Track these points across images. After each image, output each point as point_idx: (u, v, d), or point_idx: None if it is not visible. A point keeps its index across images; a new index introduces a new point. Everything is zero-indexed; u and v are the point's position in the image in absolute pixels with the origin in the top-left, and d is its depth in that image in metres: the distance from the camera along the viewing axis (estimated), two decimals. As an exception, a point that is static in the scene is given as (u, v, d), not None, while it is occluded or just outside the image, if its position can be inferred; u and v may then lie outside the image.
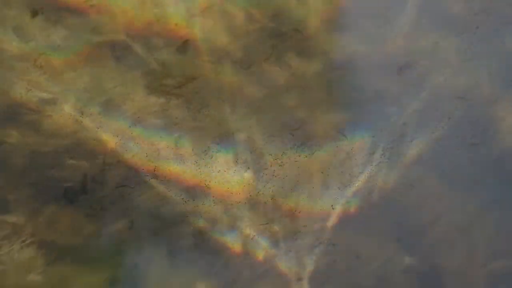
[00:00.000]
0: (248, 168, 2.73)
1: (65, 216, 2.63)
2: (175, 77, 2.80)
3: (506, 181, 2.77)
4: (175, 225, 2.65)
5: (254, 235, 2.64)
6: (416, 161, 2.77)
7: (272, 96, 2.78)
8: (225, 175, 2.71)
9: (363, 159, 2.76)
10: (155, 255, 2.60)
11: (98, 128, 2.71)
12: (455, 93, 2.83)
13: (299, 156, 2.75)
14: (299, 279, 2.60)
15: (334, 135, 2.78)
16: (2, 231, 2.55)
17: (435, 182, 2.75)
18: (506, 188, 2.75)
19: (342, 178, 2.74)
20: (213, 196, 2.69)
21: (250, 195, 2.69)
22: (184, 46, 2.84)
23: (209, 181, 2.70)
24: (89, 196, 2.66)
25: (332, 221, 2.67)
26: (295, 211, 2.69)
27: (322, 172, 2.74)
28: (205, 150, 2.73)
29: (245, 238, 2.63)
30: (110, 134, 2.72)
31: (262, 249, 2.62)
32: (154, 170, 2.70)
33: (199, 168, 2.71)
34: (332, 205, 2.70)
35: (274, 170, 2.73)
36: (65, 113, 2.73)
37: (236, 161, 2.74)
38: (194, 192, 2.69)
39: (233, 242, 2.63)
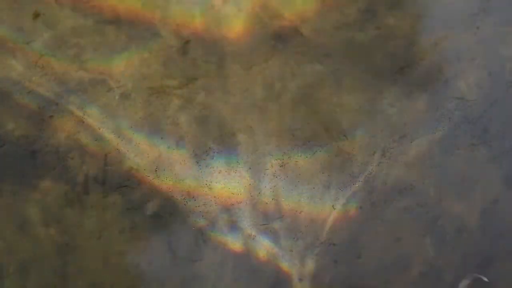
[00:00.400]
0: (249, 168, 2.74)
1: (66, 217, 2.64)
2: (176, 78, 2.81)
3: (506, 182, 2.77)
4: (176, 225, 2.67)
5: (255, 235, 2.65)
6: (417, 161, 2.78)
7: (273, 96, 2.79)
8: (226, 176, 2.72)
9: (364, 159, 2.77)
10: (156, 255, 2.61)
11: (100, 129, 2.72)
12: (455, 94, 2.84)
13: (300, 156, 2.76)
14: (300, 279, 2.62)
15: (335, 135, 2.78)
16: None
17: (435, 183, 2.76)
18: (506, 189, 2.76)
19: (343, 178, 2.75)
20: (214, 197, 2.70)
21: (251, 196, 2.70)
22: (185, 46, 2.84)
23: (210, 182, 2.72)
24: (90, 197, 2.67)
25: (333, 221, 2.68)
26: (296, 211, 2.70)
27: (323, 173, 2.75)
28: (206, 151, 2.74)
29: (246, 238, 2.64)
30: (111, 135, 2.73)
31: (263, 249, 2.63)
32: (155, 171, 2.71)
33: (200, 169, 2.72)
34: (333, 205, 2.71)
35: (275, 171, 2.74)
36: (66, 114, 2.73)
37: (237, 162, 2.75)
38: (195, 192, 2.70)
39: (234, 242, 2.64)
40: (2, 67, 2.78)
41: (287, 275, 2.66)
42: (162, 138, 2.75)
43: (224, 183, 2.72)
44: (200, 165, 2.73)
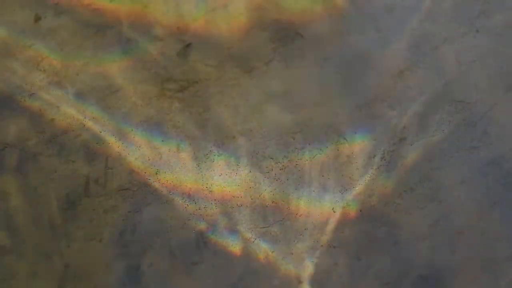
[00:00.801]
0: (250, 171, 2.75)
1: (67, 220, 2.65)
2: (177, 81, 2.82)
3: (506, 184, 2.78)
4: (176, 228, 2.68)
5: (255, 238, 2.66)
6: (416, 164, 2.79)
7: (273, 99, 2.80)
8: (227, 179, 2.73)
9: (364, 163, 2.78)
10: (157, 258, 2.62)
11: (101, 132, 2.73)
12: (455, 97, 2.85)
13: (300, 159, 2.77)
14: (300, 281, 2.63)
15: (335, 138, 2.79)
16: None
17: (435, 185, 2.77)
18: (506, 191, 2.77)
19: (343, 181, 2.76)
20: (215, 200, 2.71)
21: (251, 199, 2.71)
22: (186, 50, 2.85)
23: (211, 185, 2.73)
24: (91, 199, 2.68)
25: (332, 223, 2.69)
26: (296, 214, 2.71)
27: (322, 175, 2.76)
28: (207, 154, 2.75)
29: (246, 241, 2.65)
30: (112, 138, 2.74)
31: (263, 252, 2.64)
32: (156, 174, 2.72)
33: (200, 172, 2.73)
34: (332, 208, 2.72)
35: (275, 174, 2.75)
36: (67, 116, 2.75)
37: (238, 165, 2.76)
38: (196, 195, 2.72)
39: (234, 245, 2.65)
40: (4, 70, 2.80)
41: (287, 278, 2.67)
42: (163, 141, 2.76)
43: (224, 186, 2.73)
44: (200, 168, 2.74)
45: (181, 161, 2.74)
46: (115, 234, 2.66)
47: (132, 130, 2.75)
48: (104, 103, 2.78)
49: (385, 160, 2.79)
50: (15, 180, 2.67)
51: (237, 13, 2.90)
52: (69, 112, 2.76)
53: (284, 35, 2.88)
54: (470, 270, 2.68)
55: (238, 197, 2.72)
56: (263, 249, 2.68)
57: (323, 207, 2.72)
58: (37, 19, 2.92)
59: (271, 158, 2.77)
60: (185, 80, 2.82)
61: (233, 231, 2.69)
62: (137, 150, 2.73)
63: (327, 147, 2.79)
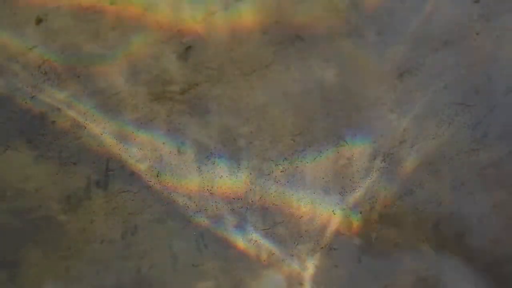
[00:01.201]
0: (250, 173, 2.76)
1: (69, 221, 2.66)
2: (178, 84, 2.83)
3: (506, 186, 2.79)
4: (178, 230, 2.68)
5: (255, 240, 2.66)
6: (416, 167, 2.79)
7: (274, 102, 2.80)
8: (227, 181, 2.74)
9: (364, 165, 2.79)
10: (158, 260, 2.62)
11: (102, 134, 2.74)
12: (455, 99, 2.85)
13: (301, 161, 2.78)
14: (301, 283, 2.63)
15: (335, 141, 2.80)
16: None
17: (435, 188, 2.77)
18: (506, 193, 2.78)
19: (343, 184, 2.77)
20: (215, 202, 2.72)
21: (252, 201, 2.72)
22: (186, 52, 2.85)
23: (211, 187, 2.73)
24: (92, 202, 2.69)
25: (333, 226, 2.70)
26: (297, 216, 2.71)
27: (323, 178, 2.76)
28: (208, 156, 2.76)
29: (247, 242, 2.66)
30: (113, 140, 2.74)
31: (263, 254, 2.65)
32: (157, 176, 2.73)
33: (201, 174, 2.74)
34: (333, 210, 2.72)
35: (276, 176, 2.76)
36: (69, 119, 2.75)
37: (238, 167, 2.76)
38: (197, 197, 2.72)
39: (235, 247, 2.65)
40: (5, 73, 2.80)
41: (287, 280, 2.67)
42: (163, 143, 2.77)
43: (225, 188, 2.74)
44: (201, 170, 2.75)
45: (182, 163, 2.74)
46: (116, 236, 2.67)
47: (133, 132, 2.76)
48: (105, 105, 2.79)
49: (385, 162, 2.80)
50: (15, 184, 2.67)
51: (238, 16, 2.90)
52: (70, 114, 2.76)
53: (285, 38, 2.89)
54: (470, 273, 2.69)
55: (239, 199, 2.73)
56: (264, 251, 2.68)
57: (324, 210, 2.73)
58: (38, 21, 2.92)
59: (272, 160, 2.78)
60: (186, 82, 2.83)
61: (234, 233, 2.70)
62: (138, 152, 2.73)
63: (327, 149, 2.80)
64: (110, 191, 2.71)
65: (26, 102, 2.80)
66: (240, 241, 2.70)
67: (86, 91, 2.83)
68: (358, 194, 2.76)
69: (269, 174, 2.76)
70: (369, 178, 2.77)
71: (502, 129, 2.84)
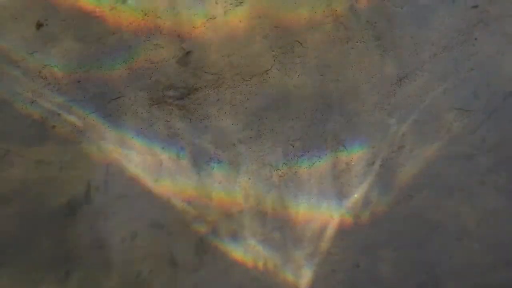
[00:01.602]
0: (249, 178, 2.77)
1: (68, 226, 2.67)
2: (178, 89, 2.84)
3: (504, 191, 2.79)
4: (177, 235, 2.69)
5: (254, 245, 2.67)
6: (415, 171, 2.80)
7: (273, 107, 2.81)
8: (226, 186, 2.75)
9: (363, 170, 2.79)
10: (157, 264, 2.64)
11: (102, 139, 2.75)
12: (454, 104, 2.86)
13: (299, 166, 2.79)
14: (299, 288, 2.64)
15: (334, 146, 2.81)
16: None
17: (434, 193, 2.78)
18: (504, 198, 2.78)
19: (342, 189, 2.77)
20: (214, 207, 2.73)
21: (251, 206, 2.73)
22: (186, 57, 2.87)
23: (210, 192, 2.74)
24: (92, 206, 2.70)
25: (331, 230, 2.71)
26: (295, 221, 2.72)
27: (321, 183, 2.77)
28: (207, 161, 2.77)
29: (246, 247, 2.67)
30: (113, 145, 2.76)
31: (262, 259, 2.66)
32: (156, 181, 2.74)
33: (200, 179, 2.75)
34: (331, 215, 2.73)
35: (275, 181, 2.77)
36: (69, 124, 2.76)
37: (237, 172, 2.77)
38: (196, 202, 2.73)
39: (234, 252, 2.66)
40: (5, 78, 2.82)
41: (286, 285, 2.68)
42: (163, 148, 2.78)
43: (224, 193, 2.75)
44: (200, 175, 2.76)
45: (181, 168, 2.76)
46: (115, 241, 2.68)
47: (132, 137, 2.77)
48: (105, 110, 2.80)
49: (384, 167, 2.80)
50: (16, 189, 2.68)
51: (237, 21, 2.92)
52: (70, 119, 2.77)
53: (284, 43, 2.90)
54: (469, 276, 2.70)
55: (238, 204, 2.74)
56: (262, 256, 2.69)
57: (322, 214, 2.74)
58: (39, 26, 2.93)
59: (271, 165, 2.79)
60: (186, 87, 2.84)
61: (233, 238, 2.71)
62: (137, 158, 2.75)
63: (326, 154, 2.81)
64: (110, 196, 2.72)
65: (26, 107, 2.81)
66: (239, 246, 2.70)
67: (86, 96, 2.84)
68: (356, 198, 2.77)
69: (268, 179, 2.77)
70: (367, 183, 2.78)
71: (501, 134, 2.85)
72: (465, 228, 2.74)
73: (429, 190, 2.78)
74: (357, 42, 2.91)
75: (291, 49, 2.88)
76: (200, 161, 2.75)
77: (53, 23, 2.90)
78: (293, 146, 2.79)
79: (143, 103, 2.80)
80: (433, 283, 2.70)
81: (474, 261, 2.71)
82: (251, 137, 2.78)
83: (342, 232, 2.73)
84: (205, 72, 2.84)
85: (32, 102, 2.77)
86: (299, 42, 2.90)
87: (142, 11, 2.90)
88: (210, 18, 2.90)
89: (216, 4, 2.92)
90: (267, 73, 2.85)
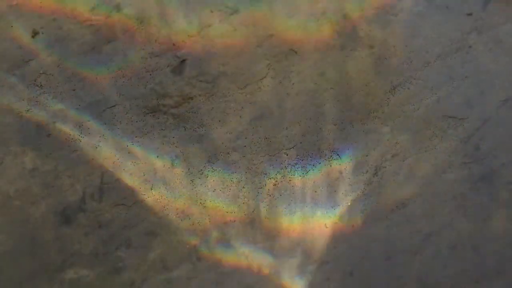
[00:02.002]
0: (243, 187, 2.78)
1: (63, 234, 2.68)
2: (172, 97, 2.85)
3: (497, 200, 2.80)
4: (171, 243, 2.70)
5: (248, 253, 2.69)
6: (409, 180, 2.81)
7: (267, 115, 2.82)
8: (220, 194, 2.76)
9: (356, 178, 2.80)
10: (151, 272, 2.65)
11: (97, 147, 2.76)
12: (447, 112, 2.87)
13: (293, 175, 2.80)
14: (293, 296, 2.65)
15: (328, 154, 2.82)
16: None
17: (427, 201, 2.79)
18: (497, 207, 2.79)
19: (335, 197, 2.78)
20: (209, 215, 2.74)
21: (245, 214, 2.74)
22: (181, 66, 2.88)
23: (205, 200, 2.76)
24: (87, 214, 2.71)
25: (325, 239, 2.72)
26: (289, 229, 2.73)
27: (315, 191, 2.78)
28: (201, 170, 2.78)
29: (240, 256, 2.68)
30: (108, 153, 2.77)
31: (256, 267, 2.67)
32: (151, 189, 2.75)
33: (194, 187, 2.76)
34: (325, 224, 2.74)
35: (269, 189, 2.78)
36: (64, 132, 2.77)
37: (231, 181, 2.78)
38: (190, 210, 2.75)
39: (227, 260, 2.68)
40: (1, 86, 2.82)
41: (279, 293, 2.70)
42: (157, 156, 2.79)
43: (218, 201, 2.76)
44: (194, 184, 2.77)
45: (176, 176, 2.77)
46: (110, 249, 2.69)
47: (127, 145, 2.78)
48: (100, 118, 2.81)
49: (377, 176, 2.81)
50: (11, 197, 2.70)
51: (232, 30, 2.92)
52: (65, 127, 2.78)
53: (278, 51, 2.91)
54: (462, 285, 2.71)
55: (232, 212, 2.75)
56: (256, 265, 2.70)
57: (316, 223, 2.75)
58: (35, 34, 2.94)
59: (265, 174, 2.80)
60: (180, 96, 2.85)
61: (227, 246, 2.72)
62: (132, 166, 2.76)
63: (320, 163, 2.82)
64: (105, 204, 2.73)
65: (22, 115, 2.82)
66: (232, 255, 2.72)
67: (81, 104, 2.85)
68: (350, 207, 2.78)
69: (261, 188, 2.78)
70: (361, 191, 2.79)
71: (495, 142, 2.86)
72: (458, 237, 2.75)
73: (422, 198, 2.79)
74: (351, 50, 2.91)
75: (286, 57, 2.89)
76: (194, 169, 2.76)
77: (49, 31, 2.90)
78: (287, 155, 2.80)
79: (138, 111, 2.81)
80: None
81: (468, 270, 2.72)
82: (245, 146, 2.80)
83: (336, 240, 2.74)
84: (199, 81, 2.85)
85: (28, 110, 2.78)
86: (293, 50, 2.90)
87: (137, 19, 2.91)
88: (205, 26, 2.90)
89: (211, 12, 2.93)
90: (261, 82, 2.86)
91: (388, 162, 2.81)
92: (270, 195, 2.76)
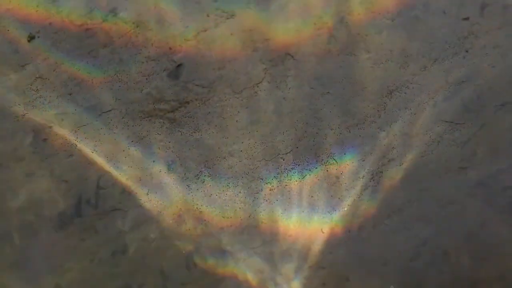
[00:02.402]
0: (239, 192, 2.77)
1: (59, 240, 2.68)
2: (168, 102, 2.84)
3: (494, 205, 2.80)
4: (167, 248, 2.70)
5: (244, 259, 2.68)
6: (405, 185, 2.81)
7: (264, 120, 2.82)
8: (217, 199, 2.76)
9: (353, 183, 2.80)
10: (148, 278, 2.65)
11: (93, 152, 2.76)
12: (444, 117, 2.87)
13: (290, 180, 2.80)
14: (289, 302, 2.65)
15: (324, 159, 2.82)
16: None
17: (424, 206, 2.79)
18: (494, 212, 2.79)
19: (332, 202, 2.78)
20: (205, 220, 2.74)
21: (241, 219, 2.74)
22: (177, 70, 2.87)
23: (201, 205, 2.75)
24: (83, 219, 2.71)
25: (321, 244, 2.71)
26: (285, 234, 2.73)
27: (312, 196, 2.78)
28: (197, 175, 2.78)
29: (236, 261, 2.68)
30: (104, 158, 2.76)
31: (252, 272, 2.67)
32: (147, 194, 2.75)
33: (190, 192, 2.76)
34: (321, 229, 2.74)
35: (265, 194, 2.78)
36: (60, 136, 2.77)
37: (228, 186, 2.78)
38: (186, 216, 2.74)
39: (223, 266, 2.67)
40: (-3, 90, 2.82)
41: (276, 298, 2.70)
42: (153, 161, 2.79)
43: (214, 206, 2.76)
44: (190, 189, 2.76)
45: (172, 181, 2.76)
46: (106, 254, 2.69)
47: (123, 150, 2.78)
48: (96, 123, 2.81)
49: (374, 181, 2.81)
50: (7, 202, 2.69)
51: (228, 34, 2.92)
52: (61, 132, 2.78)
53: (275, 56, 2.91)
54: (458, 290, 2.71)
55: (228, 217, 2.75)
56: (252, 270, 2.70)
57: (312, 228, 2.75)
58: (31, 39, 2.94)
59: (261, 179, 2.79)
60: (176, 100, 2.85)
61: (223, 251, 2.72)
62: (128, 171, 2.75)
63: (316, 168, 2.81)
64: (101, 209, 2.73)
65: (18, 120, 2.81)
66: (228, 260, 2.71)
67: (77, 109, 2.84)
68: (346, 212, 2.78)
69: (258, 193, 2.78)
70: (358, 196, 2.79)
71: (491, 147, 2.85)
72: (454, 242, 2.75)
73: (419, 203, 2.79)
74: (347, 54, 2.91)
75: (282, 62, 2.89)
76: (190, 174, 2.76)
77: (45, 35, 2.89)
78: (284, 160, 2.79)
79: (134, 116, 2.81)
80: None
81: (463, 275, 2.72)
82: (241, 150, 2.79)
83: (332, 245, 2.73)
84: (196, 85, 2.85)
85: (24, 115, 2.78)
86: (290, 55, 2.90)
87: (133, 23, 2.90)
88: (202, 31, 2.90)
89: (208, 16, 2.92)
90: (257, 86, 2.86)
91: (384, 167, 2.80)
92: (266, 200, 2.76)
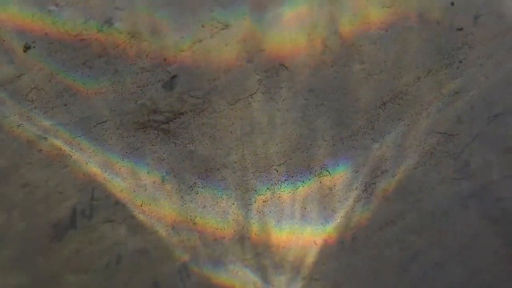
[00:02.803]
0: (233, 203, 2.78)
1: (53, 251, 2.69)
2: (163, 113, 2.85)
3: (487, 216, 2.81)
4: (161, 260, 2.71)
5: (237, 270, 2.69)
6: (398, 196, 2.82)
7: (258, 131, 2.83)
8: (210, 211, 2.77)
9: (346, 195, 2.81)
10: (142, 289, 2.66)
11: (87, 163, 2.77)
12: (437, 128, 2.87)
13: (283, 192, 2.81)
14: (282, 313, 2.66)
15: (317, 170, 2.82)
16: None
17: (417, 218, 2.80)
18: (487, 223, 2.80)
19: (325, 214, 2.79)
20: (198, 231, 2.75)
21: (235, 231, 2.75)
22: (172, 81, 2.88)
23: (195, 217, 2.77)
24: (77, 231, 2.72)
25: (314, 256, 2.73)
26: (278, 246, 2.74)
27: (305, 208, 2.79)
28: (191, 186, 2.79)
29: (229, 272, 2.69)
30: (98, 169, 2.77)
31: (245, 284, 2.68)
32: (141, 205, 2.76)
33: (184, 204, 2.77)
34: (314, 240, 2.75)
35: (258, 206, 2.79)
36: (55, 147, 2.78)
37: (221, 197, 2.79)
38: (180, 227, 2.75)
39: (217, 277, 2.69)
40: (-7, 101, 2.83)
41: (269, 310, 2.71)
42: (148, 172, 2.80)
43: (208, 218, 2.77)
44: (184, 200, 2.78)
45: (166, 193, 2.78)
46: (100, 266, 2.70)
47: (118, 161, 2.79)
48: (91, 134, 2.81)
49: (367, 192, 2.82)
50: (2, 213, 2.70)
51: (223, 45, 2.93)
52: (56, 143, 2.79)
53: (269, 67, 2.91)
54: (450, 301, 2.72)
55: (221, 229, 2.76)
56: (245, 281, 2.72)
57: (305, 239, 2.76)
58: (26, 49, 2.95)
59: (254, 190, 2.80)
60: (171, 111, 2.86)
61: (216, 263, 2.73)
62: (122, 182, 2.77)
63: (309, 179, 2.82)
64: (95, 220, 2.74)
65: (13, 130, 2.82)
66: (222, 271, 2.73)
67: (72, 119, 2.85)
68: (339, 224, 2.79)
69: (251, 204, 2.79)
70: (350, 208, 2.80)
71: (484, 158, 2.86)
72: (447, 253, 2.76)
73: (411, 215, 2.79)
74: (342, 65, 2.91)
75: (276, 73, 2.89)
76: (184, 186, 2.77)
77: (41, 45, 2.90)
78: (277, 171, 2.80)
79: (129, 127, 2.82)
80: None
81: (455, 286, 2.73)
82: (235, 162, 2.80)
83: (325, 256, 2.74)
84: (190, 96, 2.85)
85: (19, 125, 2.79)
86: (284, 65, 2.91)
87: (128, 34, 2.91)
88: (196, 41, 2.90)
89: (203, 27, 2.93)
90: (252, 97, 2.86)
91: (377, 178, 2.81)
92: (260, 212, 2.77)
